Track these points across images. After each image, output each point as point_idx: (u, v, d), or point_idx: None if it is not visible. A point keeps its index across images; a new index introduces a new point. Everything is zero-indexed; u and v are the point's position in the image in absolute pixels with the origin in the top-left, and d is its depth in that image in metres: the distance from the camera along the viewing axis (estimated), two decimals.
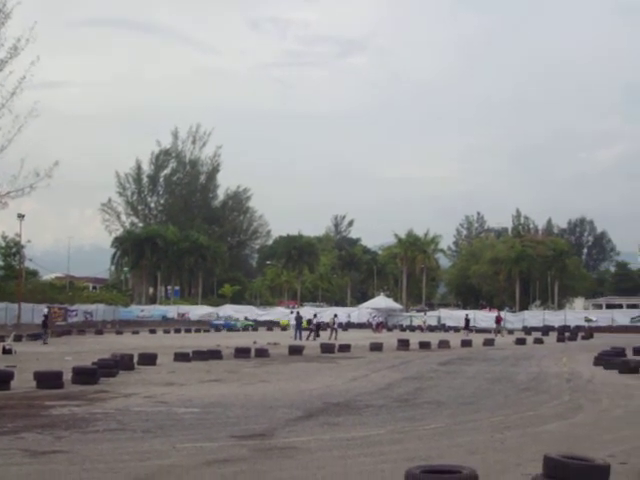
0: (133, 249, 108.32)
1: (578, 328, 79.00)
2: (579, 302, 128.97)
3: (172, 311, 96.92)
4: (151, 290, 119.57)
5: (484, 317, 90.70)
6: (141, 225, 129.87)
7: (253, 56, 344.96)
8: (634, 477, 10.03)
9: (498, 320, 72.97)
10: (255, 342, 43.78)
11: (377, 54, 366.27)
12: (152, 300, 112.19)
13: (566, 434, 13.76)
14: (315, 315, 61.05)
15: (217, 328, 78.22)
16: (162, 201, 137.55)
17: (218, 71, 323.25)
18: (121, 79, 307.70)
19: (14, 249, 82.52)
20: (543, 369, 29.78)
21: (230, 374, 26.22)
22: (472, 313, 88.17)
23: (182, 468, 10.50)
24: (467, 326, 69.79)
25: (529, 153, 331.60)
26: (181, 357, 31.51)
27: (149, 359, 29.34)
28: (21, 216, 69.38)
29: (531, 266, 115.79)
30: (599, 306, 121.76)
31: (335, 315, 60.73)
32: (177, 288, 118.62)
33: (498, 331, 68.73)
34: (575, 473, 8.50)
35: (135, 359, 28.52)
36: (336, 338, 51.59)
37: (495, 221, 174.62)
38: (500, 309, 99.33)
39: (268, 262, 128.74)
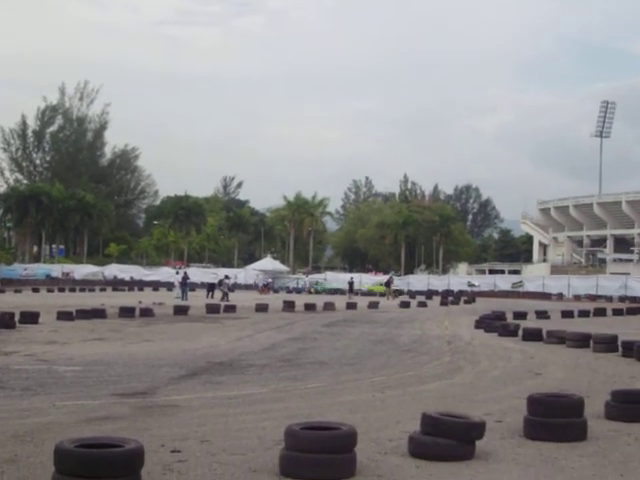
0: (17, 206, 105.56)
1: (461, 292, 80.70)
2: (463, 267, 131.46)
3: (56, 270, 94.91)
4: (35, 248, 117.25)
5: (370, 280, 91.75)
6: (26, 182, 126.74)
7: (144, 13, 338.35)
8: (508, 434, 10.31)
9: (388, 283, 73.85)
10: (140, 302, 43.36)
11: (270, 16, 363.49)
12: (36, 259, 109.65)
13: (445, 393, 14.06)
14: (226, 277, 60.56)
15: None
16: (48, 158, 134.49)
17: (107, 26, 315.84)
18: (4, 30, 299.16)
19: None
20: (425, 332, 30.26)
21: (114, 333, 26.00)
22: (358, 276, 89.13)
23: (61, 425, 10.38)
24: (351, 289, 70.70)
25: (418, 119, 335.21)
26: (64, 316, 30.98)
27: (31, 317, 28.74)
28: None
29: (417, 231, 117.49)
30: (482, 271, 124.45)
31: (226, 276, 60.50)
32: (62, 247, 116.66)
33: (390, 294, 69.67)
34: (451, 430, 8.72)
35: (16, 317, 27.98)
36: (227, 300, 51.16)
37: (383, 186, 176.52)
38: (386, 273, 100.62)
39: (155, 222, 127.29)
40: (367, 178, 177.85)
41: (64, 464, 6.87)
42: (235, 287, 76.27)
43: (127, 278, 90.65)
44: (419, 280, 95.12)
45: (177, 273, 65.41)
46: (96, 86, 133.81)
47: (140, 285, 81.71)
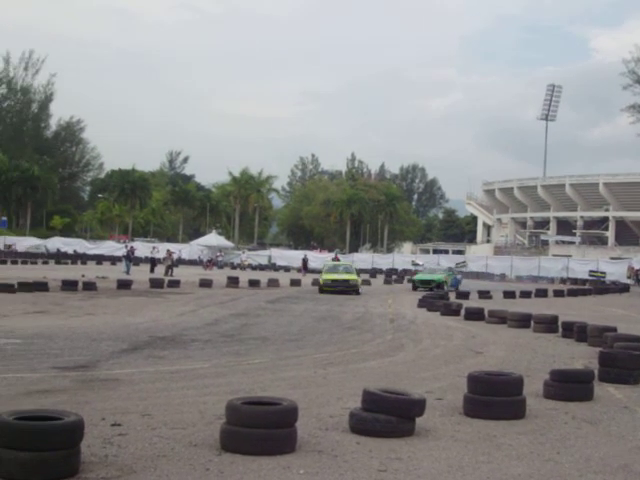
0: None
1: (405, 271, 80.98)
2: (407, 246, 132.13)
3: None
4: None
5: (314, 258, 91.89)
6: None
7: None
8: (448, 412, 10.41)
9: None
10: (83, 275, 42.92)
11: None
12: None
13: (387, 371, 14.13)
14: (169, 251, 59.62)
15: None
16: None
17: None
18: None
19: None
20: (369, 309, 30.39)
21: (55, 306, 25.74)
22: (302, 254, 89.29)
23: (1, 398, 10.28)
24: (305, 266, 71.14)
25: (366, 98, 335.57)
26: (5, 288, 30.55)
27: None
28: None
29: (362, 209, 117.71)
30: (426, 251, 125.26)
31: (169, 251, 59.79)
32: (4, 219, 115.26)
33: None
34: (392, 406, 8.77)
35: None
36: (171, 274, 50.75)
37: (329, 164, 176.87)
38: (330, 250, 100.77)
39: (100, 195, 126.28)
40: (313, 155, 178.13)
41: (2, 437, 6.80)
42: (179, 262, 75.83)
43: (70, 251, 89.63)
44: (363, 259, 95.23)
45: (126, 247, 64.81)
46: (41, 56, 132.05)
47: (84, 259, 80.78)
